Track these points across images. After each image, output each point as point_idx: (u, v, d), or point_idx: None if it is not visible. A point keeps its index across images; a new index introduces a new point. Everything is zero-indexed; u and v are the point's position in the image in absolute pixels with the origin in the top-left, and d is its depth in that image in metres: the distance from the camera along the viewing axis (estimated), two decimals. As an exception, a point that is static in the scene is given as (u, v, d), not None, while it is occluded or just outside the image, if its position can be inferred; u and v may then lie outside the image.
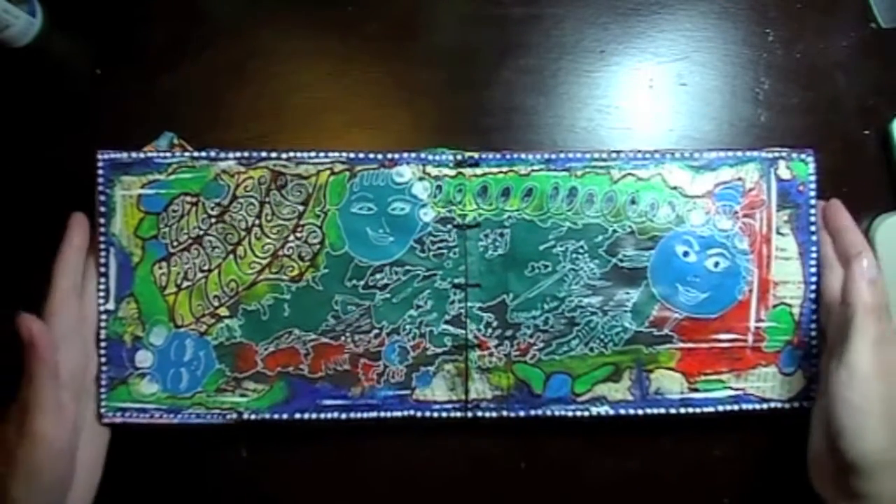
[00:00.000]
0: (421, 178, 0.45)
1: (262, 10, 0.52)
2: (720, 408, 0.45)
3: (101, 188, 0.44)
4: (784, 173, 0.46)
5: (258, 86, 0.51)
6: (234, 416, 0.45)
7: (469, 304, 0.45)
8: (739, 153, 0.46)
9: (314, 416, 0.45)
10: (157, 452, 0.48)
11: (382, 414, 0.45)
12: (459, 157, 0.45)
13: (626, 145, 0.50)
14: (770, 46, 0.51)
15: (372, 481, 0.49)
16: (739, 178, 0.45)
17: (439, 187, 0.45)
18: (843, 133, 0.50)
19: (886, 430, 0.38)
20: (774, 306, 0.45)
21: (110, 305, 0.44)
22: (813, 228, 0.45)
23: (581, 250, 0.45)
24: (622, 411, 0.45)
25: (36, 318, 0.40)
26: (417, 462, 0.49)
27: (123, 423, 0.45)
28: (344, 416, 0.45)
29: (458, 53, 0.51)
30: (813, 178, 0.46)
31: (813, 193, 0.46)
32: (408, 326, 0.45)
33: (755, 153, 0.46)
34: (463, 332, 0.45)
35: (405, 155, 0.45)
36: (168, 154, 0.45)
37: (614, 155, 0.45)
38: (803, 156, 0.46)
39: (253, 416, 0.45)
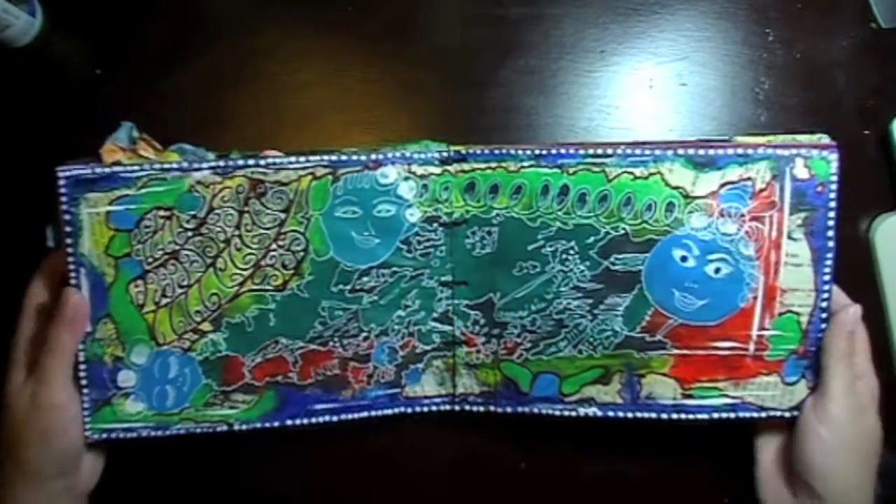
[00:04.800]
0: (406, 178, 0.43)
1: (262, 11, 0.52)
2: (715, 415, 0.43)
3: (64, 207, 0.41)
4: (801, 172, 0.42)
5: (258, 86, 0.51)
6: (225, 427, 0.44)
7: (456, 301, 0.44)
8: (751, 150, 0.42)
9: (305, 421, 0.44)
10: (157, 455, 0.48)
11: (373, 413, 0.45)
12: (446, 154, 0.44)
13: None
14: (770, 46, 0.51)
15: (372, 482, 0.49)
16: (749, 178, 0.42)
17: (425, 186, 0.44)
18: (843, 133, 0.50)
19: (854, 469, 0.40)
20: (780, 314, 0.42)
21: (87, 327, 0.42)
22: (830, 234, 0.42)
23: (571, 252, 0.43)
24: (611, 414, 0.44)
25: (80, 293, 0.41)
26: (418, 462, 0.49)
27: (109, 439, 0.43)
28: (335, 418, 0.44)
29: (457, 53, 0.51)
30: (835, 178, 0.41)
31: (833, 195, 0.42)
32: (396, 327, 0.45)
33: (769, 150, 0.42)
34: (450, 328, 0.45)
35: (390, 155, 0.43)
36: (136, 167, 0.42)
37: (610, 151, 0.42)
38: (825, 153, 0.41)
39: (244, 427, 0.44)
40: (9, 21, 0.48)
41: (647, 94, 0.51)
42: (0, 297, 0.44)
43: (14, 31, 0.48)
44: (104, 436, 0.43)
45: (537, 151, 0.43)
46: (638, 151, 0.42)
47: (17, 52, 0.50)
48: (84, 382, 0.42)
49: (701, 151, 0.42)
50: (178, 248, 0.43)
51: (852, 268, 0.49)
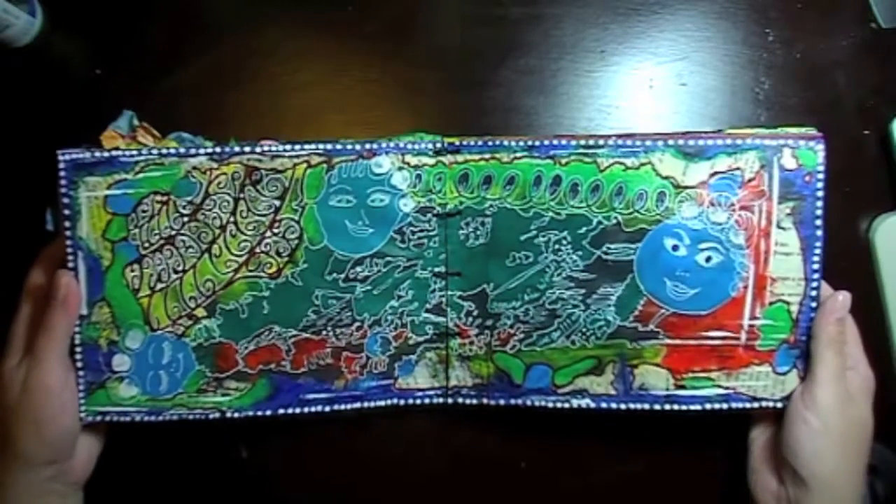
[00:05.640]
0: (400, 168, 0.44)
1: (262, 11, 0.52)
2: (707, 406, 0.43)
3: (63, 190, 0.42)
4: (789, 162, 0.42)
5: (258, 86, 0.51)
6: (217, 414, 0.44)
7: (449, 292, 0.44)
8: (739, 141, 0.43)
9: (297, 410, 0.44)
10: (158, 452, 0.48)
11: (366, 404, 0.45)
12: (439, 144, 0.44)
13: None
14: (770, 46, 0.51)
15: (373, 482, 0.49)
16: (738, 168, 0.42)
17: (419, 176, 0.44)
18: (843, 133, 0.50)
19: (840, 457, 0.40)
20: (771, 303, 0.43)
21: (83, 310, 0.42)
22: (818, 223, 0.42)
23: (564, 241, 0.43)
24: (604, 405, 0.44)
25: (72, 274, 0.42)
26: (419, 462, 0.49)
27: (104, 421, 0.43)
28: (328, 408, 0.45)
29: (458, 53, 0.51)
30: (822, 167, 0.42)
31: (821, 184, 0.42)
32: (389, 317, 0.45)
33: (757, 140, 0.43)
34: (444, 320, 0.45)
35: (384, 145, 0.44)
36: (134, 152, 0.43)
37: (601, 142, 0.43)
38: (812, 143, 0.42)
39: (236, 415, 0.44)
40: (9, 21, 0.48)
41: (647, 94, 0.51)
42: (1, 282, 0.44)
43: (14, 31, 0.48)
44: (98, 418, 0.43)
45: (530, 142, 0.43)
46: (629, 142, 0.43)
47: (17, 52, 0.50)
48: (79, 365, 0.43)
49: (690, 142, 0.43)
50: (174, 233, 0.43)
51: (852, 268, 0.49)
